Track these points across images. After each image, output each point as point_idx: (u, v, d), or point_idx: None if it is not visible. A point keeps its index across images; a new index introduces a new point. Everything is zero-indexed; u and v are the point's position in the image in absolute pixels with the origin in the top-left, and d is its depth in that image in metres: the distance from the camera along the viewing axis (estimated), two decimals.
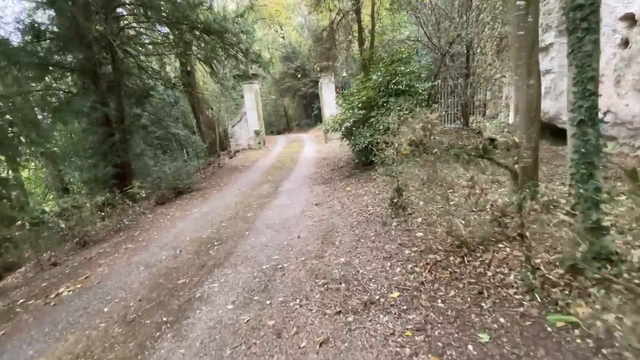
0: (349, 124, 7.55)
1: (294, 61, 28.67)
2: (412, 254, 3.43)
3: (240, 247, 4.53)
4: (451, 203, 4.22)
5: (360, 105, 7.68)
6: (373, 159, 7.94)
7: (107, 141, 10.66)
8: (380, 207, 5.04)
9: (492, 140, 7.18)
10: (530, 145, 3.53)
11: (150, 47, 13.17)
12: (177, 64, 17.03)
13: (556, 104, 8.53)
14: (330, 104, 16.74)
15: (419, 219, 4.26)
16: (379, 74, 8.15)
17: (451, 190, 4.75)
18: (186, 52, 13.08)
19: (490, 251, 3.07)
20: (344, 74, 18.87)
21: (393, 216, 4.58)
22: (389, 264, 3.32)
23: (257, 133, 17.04)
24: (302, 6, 31.52)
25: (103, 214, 7.16)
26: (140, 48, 12.49)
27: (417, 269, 3.12)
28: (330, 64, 15.70)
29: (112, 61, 10.70)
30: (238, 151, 16.92)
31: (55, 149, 12.27)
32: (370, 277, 3.13)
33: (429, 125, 3.42)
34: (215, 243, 4.80)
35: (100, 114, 10.62)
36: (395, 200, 4.76)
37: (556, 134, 8.36)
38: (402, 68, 7.87)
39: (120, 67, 11.06)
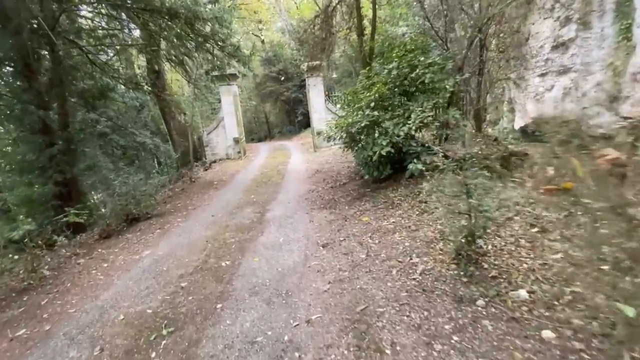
0: (357, 129, 5.72)
1: (275, 64, 26.80)
2: None
3: (205, 342, 2.58)
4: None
5: (372, 104, 5.88)
6: (386, 173, 6.15)
7: (45, 152, 8.44)
8: (432, 259, 3.19)
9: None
10: None
11: (108, 40, 10.98)
12: (144, 62, 14.84)
13: (578, 106, 7.11)
14: (318, 108, 14.94)
15: (525, 292, 2.43)
16: (391, 66, 6.41)
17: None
18: (151, 46, 10.99)
19: None
20: (334, 75, 17.14)
21: (466, 280, 2.74)
22: None
23: (236, 141, 14.99)
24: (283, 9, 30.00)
25: (16, 257, 5.00)
26: (92, 41, 10.29)
27: None
28: (320, 64, 13.92)
29: (50, 52, 8.51)
30: (215, 162, 14.81)
31: None
32: None
33: None
34: (164, 331, 2.80)
35: (36, 119, 8.41)
36: (464, 251, 2.93)
37: None
38: (422, 59, 6.15)
39: (64, 61, 8.87)
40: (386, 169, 5.97)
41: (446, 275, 2.88)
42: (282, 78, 23.42)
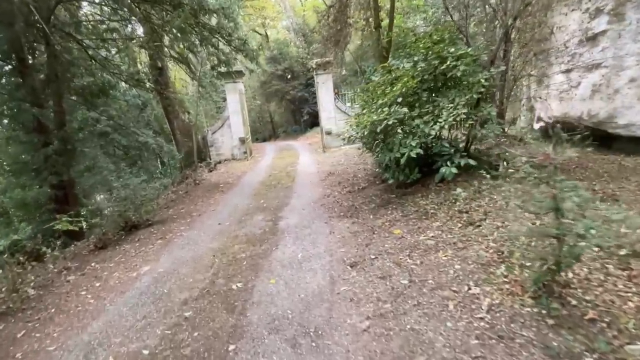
0: (382, 128, 5.07)
1: (281, 62, 26.18)
2: None
3: None
4: None
5: (399, 100, 5.24)
6: (413, 178, 5.50)
7: (40, 153, 7.89)
8: (497, 289, 2.55)
9: None
10: None
11: (108, 35, 10.40)
12: (146, 58, 14.29)
13: (609, 104, 6.41)
14: (328, 107, 14.31)
15: None
16: (416, 58, 5.79)
17: None
18: (153, 41, 10.41)
19: None
20: (344, 72, 16.49)
21: (552, 322, 2.10)
22: None
23: (242, 141, 14.40)
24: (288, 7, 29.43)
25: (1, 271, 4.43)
26: (92, 35, 9.72)
27: None
28: (330, 61, 13.29)
29: (46, 46, 7.95)
30: (220, 162, 14.23)
31: None
32: None
33: None
34: None
35: (31, 117, 7.87)
36: (543, 281, 2.29)
37: (604, 141, 6.31)
38: (452, 50, 5.50)
39: (60, 56, 8.30)
40: (414, 173, 5.33)
41: (523, 314, 2.24)
42: (289, 76, 22.75)
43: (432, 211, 4.41)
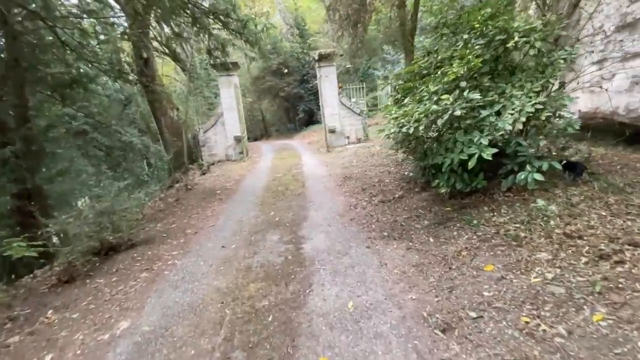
0: (446, 120, 3.84)
1: (275, 57, 24.79)
2: None
3: None
4: None
5: (462, 85, 4.03)
6: (478, 185, 4.28)
7: None
8: None
9: None
10: None
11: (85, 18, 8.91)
12: (130, 47, 12.79)
13: None
14: (332, 103, 13.06)
15: None
16: (465, 36, 4.65)
17: None
18: (138, 27, 8.98)
19: None
20: (348, 65, 15.23)
21: None
22: None
23: (238, 140, 13.04)
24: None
25: None
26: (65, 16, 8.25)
27: None
28: (334, 52, 12.04)
29: (3, 25, 6.52)
30: (213, 164, 12.85)
31: None
32: None
33: None
34: None
35: None
36: None
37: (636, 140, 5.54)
38: (516, 24, 4.34)
39: (21, 37, 6.88)
40: (478, 180, 4.13)
41: None
42: (286, 71, 21.39)
43: (521, 234, 3.22)
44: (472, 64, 3.91)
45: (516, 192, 4.11)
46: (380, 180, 6.46)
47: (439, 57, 4.83)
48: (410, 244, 3.63)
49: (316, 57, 12.79)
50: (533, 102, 3.73)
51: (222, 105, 12.98)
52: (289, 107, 27.87)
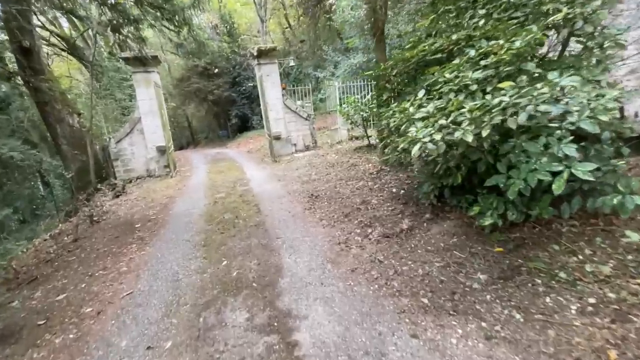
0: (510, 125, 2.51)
1: (201, 57, 22.19)
2: None
3: None
4: None
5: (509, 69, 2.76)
6: (545, 214, 2.97)
7: None
8: None
9: None
10: None
11: None
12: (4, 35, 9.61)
13: None
14: (275, 106, 11.41)
15: None
16: (481, 11, 3.49)
17: None
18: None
19: None
20: (291, 63, 13.65)
21: None
22: None
23: (162, 151, 10.60)
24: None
25: None
26: None
27: None
28: (275, 47, 10.43)
29: None
30: (130, 181, 10.27)
31: None
32: None
33: None
34: None
35: None
36: None
37: None
38: None
39: None
40: (541, 206, 2.87)
41: None
42: (216, 70, 19.02)
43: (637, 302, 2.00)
44: (537, 37, 2.65)
45: (582, 218, 2.97)
46: (365, 201, 5.01)
47: (455, 37, 3.55)
48: (484, 324, 2.20)
49: (255, 53, 11.04)
50: (610, 95, 2.59)
51: (139, 108, 10.45)
52: (219, 112, 25.30)
